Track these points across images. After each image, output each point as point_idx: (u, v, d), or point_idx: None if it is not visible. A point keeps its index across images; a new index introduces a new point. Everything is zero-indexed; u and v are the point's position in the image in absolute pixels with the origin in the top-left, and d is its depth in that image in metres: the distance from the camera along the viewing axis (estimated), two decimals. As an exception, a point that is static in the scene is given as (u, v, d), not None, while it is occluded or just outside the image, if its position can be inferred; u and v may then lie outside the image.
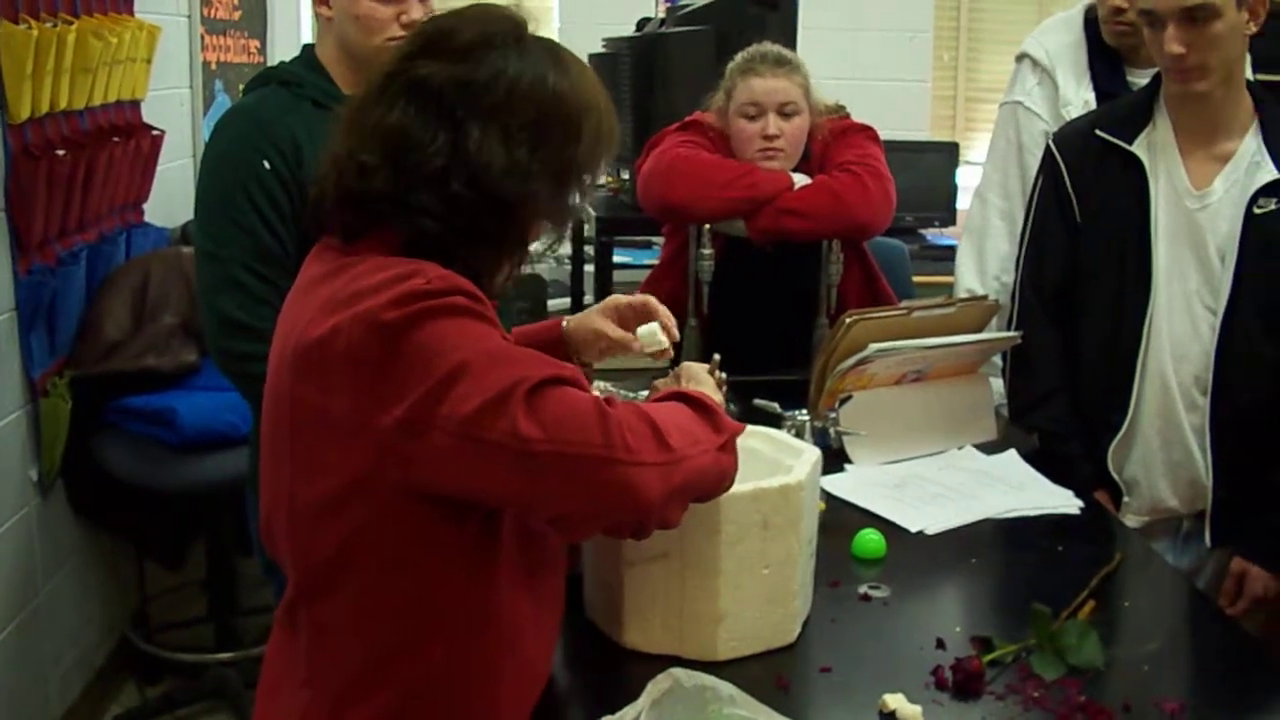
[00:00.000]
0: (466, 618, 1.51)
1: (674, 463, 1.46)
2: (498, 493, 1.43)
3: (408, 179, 1.49)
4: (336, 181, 1.54)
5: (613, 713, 1.54)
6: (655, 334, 1.93)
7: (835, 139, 2.99)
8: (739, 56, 2.98)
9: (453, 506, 1.45)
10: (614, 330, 1.99)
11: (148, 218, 3.88)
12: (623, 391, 2.18)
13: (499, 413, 1.37)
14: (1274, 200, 2.43)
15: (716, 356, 1.89)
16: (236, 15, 4.82)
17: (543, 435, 1.37)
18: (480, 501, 1.45)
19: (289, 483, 1.52)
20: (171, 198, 4.08)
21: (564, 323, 2.04)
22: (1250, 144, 2.48)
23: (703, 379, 1.76)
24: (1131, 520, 2.58)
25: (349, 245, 1.55)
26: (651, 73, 4.10)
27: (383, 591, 1.49)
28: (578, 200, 1.62)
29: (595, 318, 2.01)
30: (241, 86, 2.76)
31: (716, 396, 1.69)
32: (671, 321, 1.97)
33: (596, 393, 1.49)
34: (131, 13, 3.68)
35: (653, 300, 2.00)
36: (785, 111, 2.90)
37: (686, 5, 4.43)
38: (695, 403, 1.60)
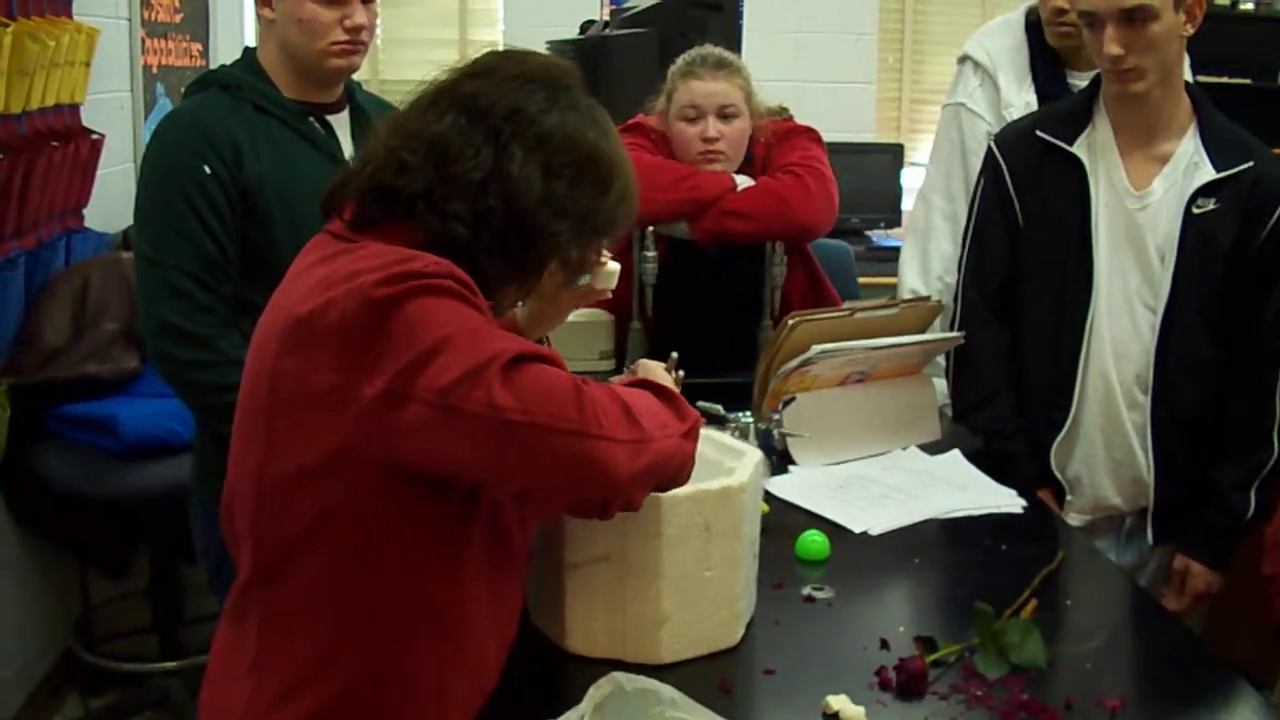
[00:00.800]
0: (425, 611, 1.52)
1: (643, 442, 1.51)
2: (471, 464, 1.45)
3: (446, 184, 1.52)
4: (370, 174, 1.57)
5: (555, 717, 1.54)
6: (610, 271, 1.89)
7: (778, 141, 2.99)
8: (680, 59, 2.98)
9: (427, 489, 1.46)
10: None
11: (88, 223, 3.83)
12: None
13: (476, 383, 1.40)
14: (1212, 200, 2.46)
15: (674, 355, 1.90)
16: (178, 18, 4.77)
17: (518, 405, 1.41)
18: (453, 475, 1.47)
19: (260, 460, 1.52)
20: (112, 202, 4.03)
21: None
22: (1189, 145, 2.50)
23: (660, 376, 1.78)
24: (1074, 519, 2.60)
25: (355, 233, 1.57)
26: (595, 75, 4.09)
27: (343, 577, 1.49)
28: (592, 256, 1.69)
29: None
30: (183, 90, 2.73)
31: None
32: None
33: None
34: (70, 15, 3.63)
35: None
36: (725, 114, 2.90)
37: (631, 7, 4.43)
38: (661, 390, 1.64)
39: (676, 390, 1.69)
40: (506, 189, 1.53)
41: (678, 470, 1.61)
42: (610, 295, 1.92)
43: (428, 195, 1.52)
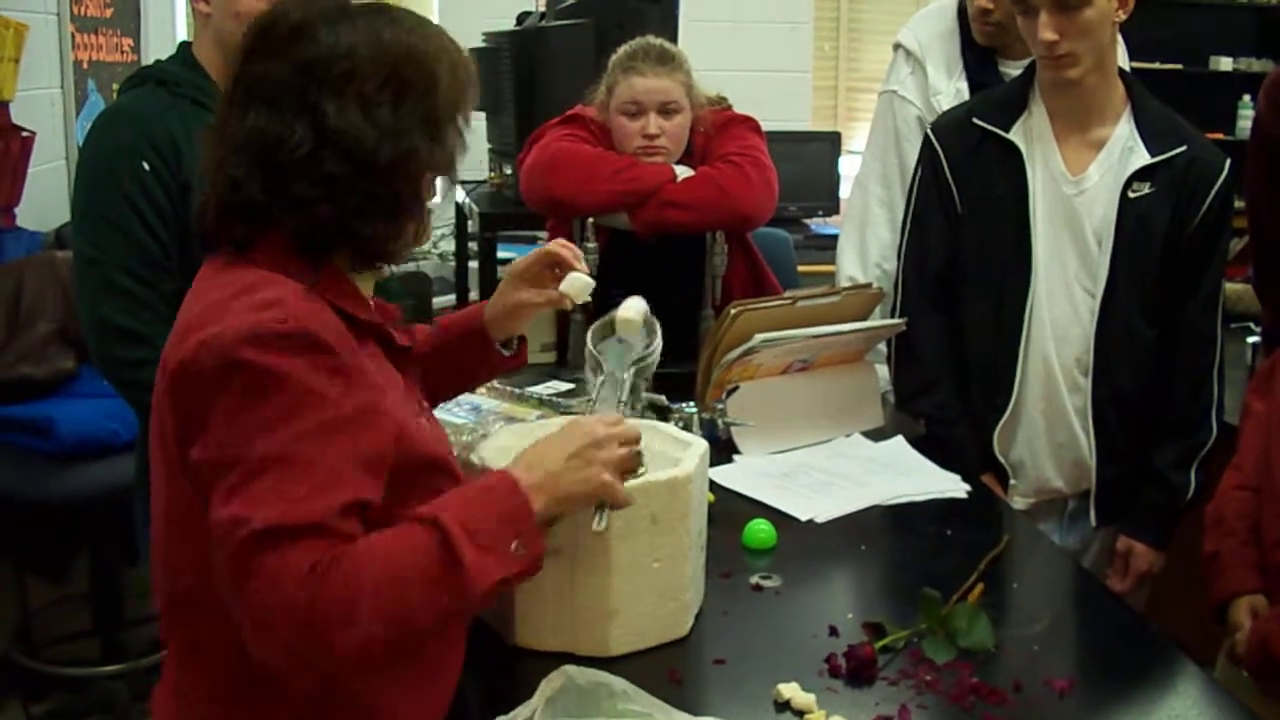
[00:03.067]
0: None
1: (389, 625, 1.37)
2: None
3: (279, 178, 1.46)
4: (215, 201, 1.51)
5: (506, 713, 1.53)
6: (585, 284, 1.89)
7: (717, 131, 2.99)
8: (621, 50, 2.97)
9: None
10: (537, 296, 1.94)
11: (19, 222, 3.78)
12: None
13: (227, 534, 1.33)
14: (1147, 184, 2.48)
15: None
16: (108, 13, 4.71)
17: (251, 585, 1.32)
18: None
19: (161, 489, 1.50)
20: (44, 201, 3.98)
21: (484, 311, 1.98)
22: (1123, 129, 2.52)
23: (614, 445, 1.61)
24: (1018, 502, 2.62)
25: (242, 255, 1.51)
26: (532, 66, 4.08)
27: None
28: (458, 143, 1.59)
29: (511, 293, 1.95)
30: (115, 86, 2.70)
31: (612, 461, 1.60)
32: (580, 256, 1.95)
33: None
34: (-3, 11, 3.58)
35: (554, 248, 1.95)
36: (666, 110, 2.89)
37: (566, -1, 4.42)
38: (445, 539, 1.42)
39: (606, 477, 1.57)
40: (338, 147, 1.46)
41: (433, 624, 1.44)
42: (575, 304, 1.94)
43: (267, 201, 1.47)
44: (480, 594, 1.43)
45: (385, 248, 1.53)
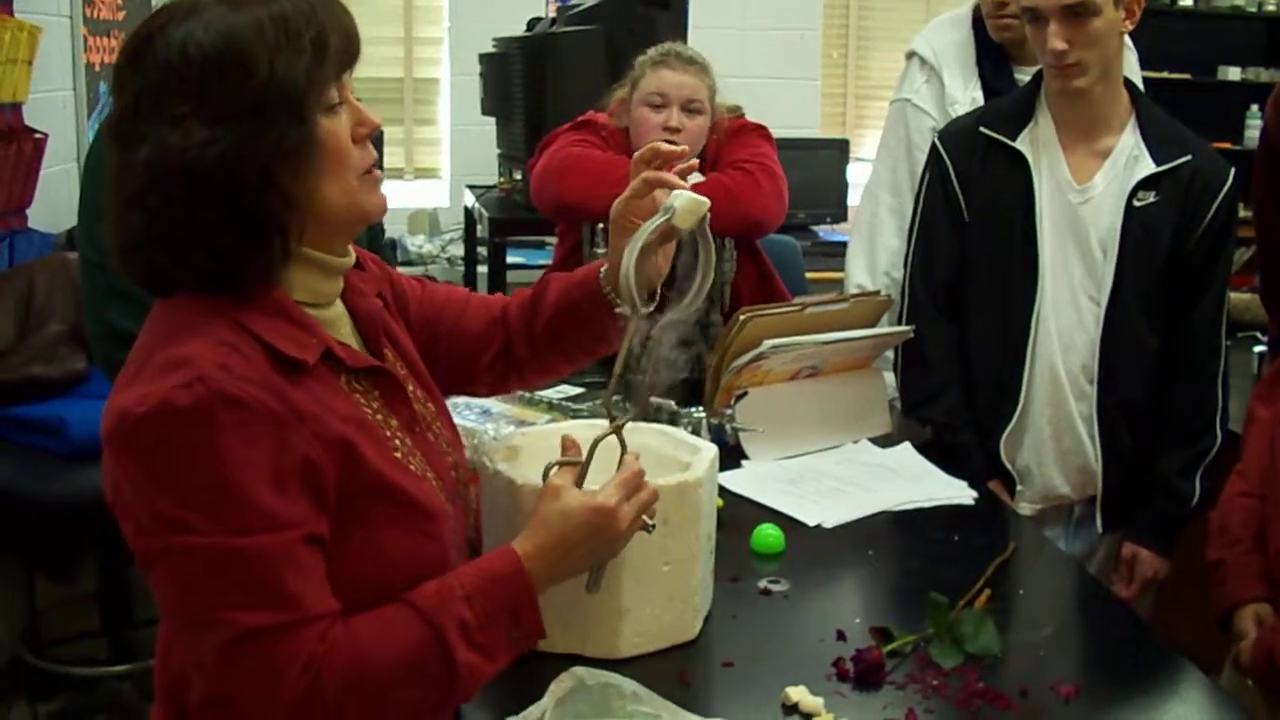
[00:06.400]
0: None
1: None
2: None
3: (142, 224, 1.35)
4: (117, 254, 1.42)
5: (517, 713, 1.54)
6: (696, 204, 1.61)
7: (729, 138, 3.01)
8: (651, 50, 3.00)
9: None
10: (650, 237, 1.60)
11: (31, 223, 3.80)
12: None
13: (192, 641, 1.32)
14: (1152, 193, 2.50)
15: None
16: (120, 15, 4.73)
17: (233, 690, 1.32)
18: None
19: None
20: (56, 203, 4.00)
21: (598, 273, 1.75)
22: (1129, 139, 2.54)
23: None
24: (1025, 508, 2.63)
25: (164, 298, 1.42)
26: (543, 72, 4.10)
27: None
28: (325, 114, 1.39)
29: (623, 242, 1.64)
30: (126, 89, 2.69)
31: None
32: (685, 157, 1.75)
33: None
34: (11, 13, 3.60)
35: (648, 154, 1.75)
36: (690, 108, 2.91)
37: (577, 5, 4.44)
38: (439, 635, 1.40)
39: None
40: (160, 175, 1.32)
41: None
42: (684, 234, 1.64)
43: (143, 243, 1.36)
44: (467, 694, 1.43)
45: (269, 269, 1.38)
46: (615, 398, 1.58)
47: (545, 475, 1.58)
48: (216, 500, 1.28)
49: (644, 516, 1.57)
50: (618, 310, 1.67)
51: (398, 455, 1.48)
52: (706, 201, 1.62)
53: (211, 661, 1.31)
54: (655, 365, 1.61)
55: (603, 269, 1.74)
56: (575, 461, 1.56)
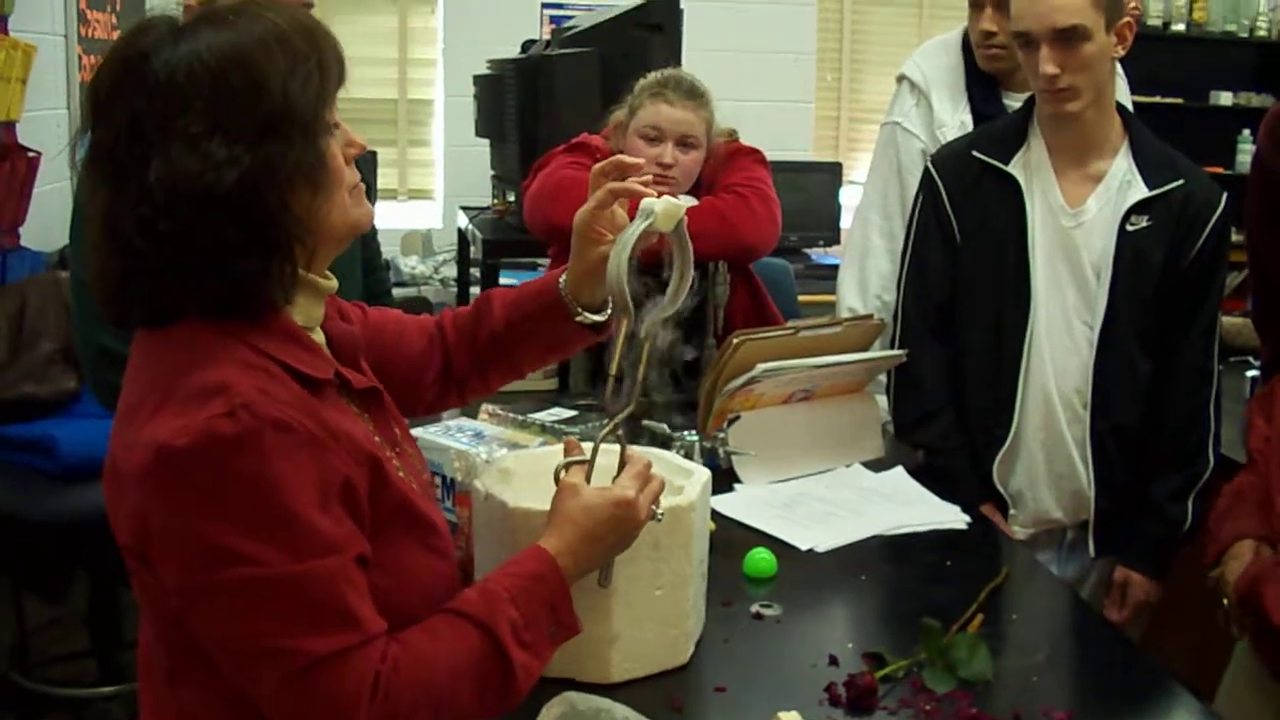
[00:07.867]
0: None
1: None
2: None
3: (143, 250, 1.30)
4: (96, 291, 1.39)
5: (508, 738, 1.54)
6: (673, 206, 1.63)
7: (723, 162, 3.01)
8: (651, 76, 2.99)
9: None
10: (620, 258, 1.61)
11: (24, 242, 3.80)
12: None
13: (255, 675, 1.30)
14: (1145, 217, 2.50)
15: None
16: (115, 34, 4.73)
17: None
18: None
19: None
20: (49, 221, 4.00)
21: (558, 282, 1.74)
22: (1121, 163, 2.55)
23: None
24: (1018, 532, 2.63)
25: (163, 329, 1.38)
26: (537, 94, 4.10)
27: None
28: (328, 136, 1.38)
29: (586, 250, 1.70)
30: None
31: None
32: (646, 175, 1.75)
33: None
34: (6, 32, 3.60)
35: (609, 166, 1.73)
36: (685, 143, 2.91)
37: (571, 27, 4.45)
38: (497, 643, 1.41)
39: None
40: (170, 200, 1.27)
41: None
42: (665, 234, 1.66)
43: (148, 271, 1.31)
44: (520, 694, 1.44)
45: (271, 290, 1.35)
46: (612, 396, 1.63)
47: (556, 477, 1.60)
48: (275, 527, 1.26)
49: (651, 505, 1.60)
50: (577, 320, 1.72)
51: (401, 475, 1.49)
52: (684, 204, 1.65)
53: (281, 693, 1.29)
54: (647, 363, 1.68)
55: (562, 279, 1.73)
56: (584, 460, 1.61)
